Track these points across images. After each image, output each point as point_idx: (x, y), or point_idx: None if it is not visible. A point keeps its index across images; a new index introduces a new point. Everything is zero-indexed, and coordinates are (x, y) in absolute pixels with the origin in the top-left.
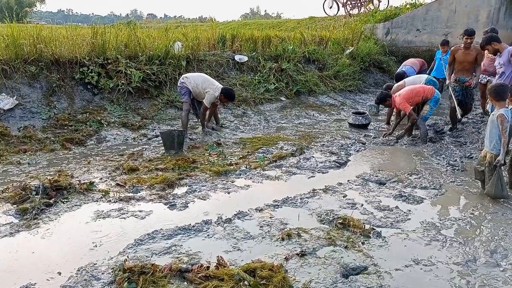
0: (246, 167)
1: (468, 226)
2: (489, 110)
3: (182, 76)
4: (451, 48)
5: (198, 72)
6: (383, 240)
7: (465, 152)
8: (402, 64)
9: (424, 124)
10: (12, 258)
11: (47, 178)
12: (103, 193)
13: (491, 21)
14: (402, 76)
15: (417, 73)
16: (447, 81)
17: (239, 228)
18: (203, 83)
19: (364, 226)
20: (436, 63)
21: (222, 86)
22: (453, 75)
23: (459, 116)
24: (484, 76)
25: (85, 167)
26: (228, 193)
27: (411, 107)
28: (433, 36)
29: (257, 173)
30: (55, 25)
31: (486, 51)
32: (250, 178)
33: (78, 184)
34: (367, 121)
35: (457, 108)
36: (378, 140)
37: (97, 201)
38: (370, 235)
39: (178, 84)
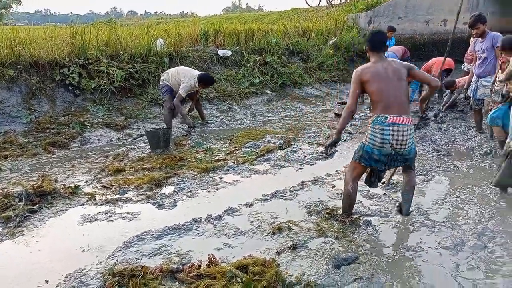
0: (234, 163)
1: (456, 210)
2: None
3: (163, 73)
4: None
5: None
6: (373, 228)
7: (450, 137)
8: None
9: None
10: None
11: (30, 184)
12: (89, 196)
13: (471, 6)
14: None
15: (399, 60)
16: None
17: (230, 225)
18: (178, 75)
19: (354, 215)
20: None
21: (198, 73)
22: None
23: None
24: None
25: (69, 170)
26: (217, 189)
27: None
28: (415, 23)
29: (245, 168)
30: (33, 26)
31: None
32: (239, 173)
33: (62, 189)
34: None
35: None
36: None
37: (83, 204)
38: (361, 224)
39: (160, 83)
